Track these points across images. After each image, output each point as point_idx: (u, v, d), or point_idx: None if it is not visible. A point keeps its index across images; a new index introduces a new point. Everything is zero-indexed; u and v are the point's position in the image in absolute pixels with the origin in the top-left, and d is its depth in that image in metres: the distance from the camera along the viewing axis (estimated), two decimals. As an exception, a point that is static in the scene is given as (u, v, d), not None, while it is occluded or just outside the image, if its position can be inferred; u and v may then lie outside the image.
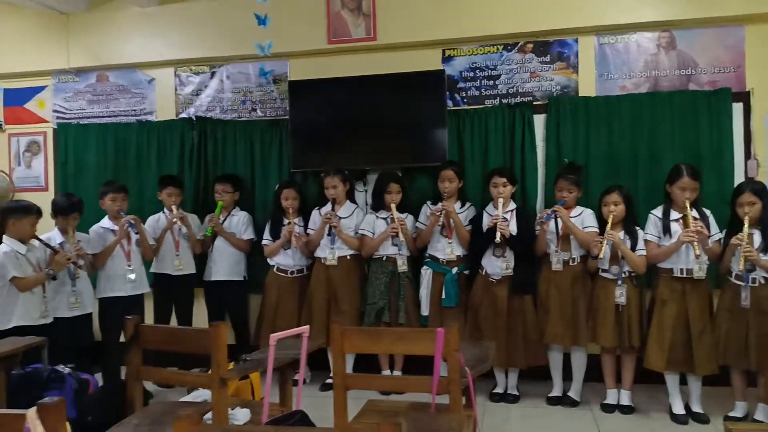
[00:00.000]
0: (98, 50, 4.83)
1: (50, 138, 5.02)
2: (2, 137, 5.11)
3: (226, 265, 4.27)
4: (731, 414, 3.37)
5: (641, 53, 4.13)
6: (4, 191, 4.85)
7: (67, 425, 1.27)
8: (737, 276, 3.27)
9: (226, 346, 2.20)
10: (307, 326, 2.30)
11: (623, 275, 3.50)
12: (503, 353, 3.63)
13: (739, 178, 3.86)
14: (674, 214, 3.46)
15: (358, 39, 4.39)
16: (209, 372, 2.24)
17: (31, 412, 1.23)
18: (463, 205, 3.98)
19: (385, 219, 3.99)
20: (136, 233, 3.92)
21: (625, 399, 3.58)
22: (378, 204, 4.06)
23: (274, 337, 2.10)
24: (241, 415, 2.41)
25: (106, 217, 4.00)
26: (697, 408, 3.43)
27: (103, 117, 4.93)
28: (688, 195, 3.37)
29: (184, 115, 4.78)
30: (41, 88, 5.04)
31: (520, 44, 4.28)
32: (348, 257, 4.05)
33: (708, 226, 3.39)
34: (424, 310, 3.91)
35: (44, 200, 4.80)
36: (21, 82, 5.03)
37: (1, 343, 2.79)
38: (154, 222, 4.24)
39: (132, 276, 3.92)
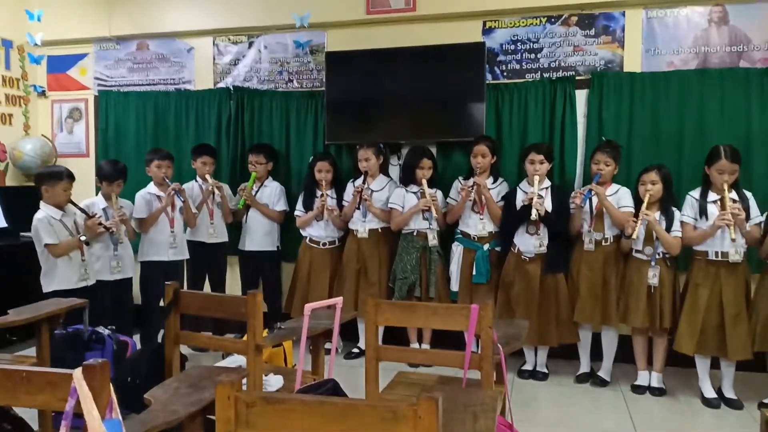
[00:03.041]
0: (139, 19, 4.87)
1: (91, 105, 5.11)
2: (45, 103, 5.23)
3: (259, 235, 4.33)
4: (766, 401, 3.31)
5: (691, 28, 3.96)
6: (47, 156, 4.97)
7: (111, 386, 1.30)
8: (778, 262, 3.18)
9: (263, 314, 2.24)
10: (341, 297, 2.33)
11: (657, 256, 3.43)
12: (534, 331, 3.60)
13: (789, 160, 3.72)
14: (712, 196, 3.36)
15: (398, 9, 4.31)
16: (244, 338, 2.29)
17: (77, 372, 1.26)
18: (495, 181, 3.93)
19: (415, 193, 3.97)
20: (182, 201, 4.00)
21: (656, 381, 3.54)
22: (408, 178, 4.04)
23: (309, 307, 2.13)
24: (274, 382, 2.47)
25: (152, 183, 4.08)
26: (729, 393, 3.37)
27: (142, 85, 4.99)
28: (726, 178, 3.26)
29: (221, 84, 4.80)
30: (83, 56, 5.11)
31: (564, 17, 4.15)
32: (379, 230, 4.06)
33: (748, 209, 3.28)
34: (454, 286, 3.91)
35: (85, 166, 4.94)
36: (64, 50, 5.11)
37: (45, 304, 2.89)
38: (189, 191, 4.28)
39: (175, 242, 4.02)
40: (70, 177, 3.50)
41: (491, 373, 2.10)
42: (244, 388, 2.16)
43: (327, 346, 2.82)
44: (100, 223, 3.50)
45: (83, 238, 3.46)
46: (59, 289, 3.32)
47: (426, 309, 2.32)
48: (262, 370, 2.29)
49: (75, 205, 3.51)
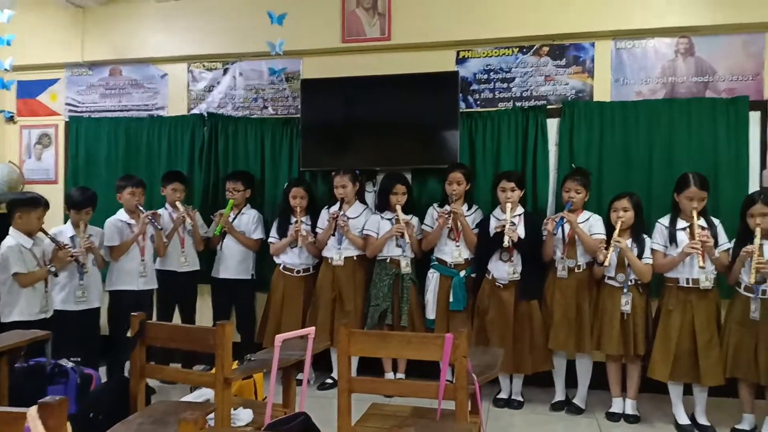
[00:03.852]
0: (112, 44, 4.83)
1: (61, 131, 5.03)
2: (14, 129, 5.12)
3: (234, 263, 4.26)
4: (738, 427, 3.32)
5: (658, 59, 4.07)
6: (14, 183, 4.86)
7: (68, 425, 1.24)
8: (747, 288, 3.22)
9: (231, 346, 2.18)
10: (313, 327, 2.29)
11: (629, 283, 3.46)
12: (509, 358, 3.58)
13: (754, 187, 3.80)
14: (681, 223, 3.42)
15: (373, 38, 4.36)
16: (213, 371, 2.23)
17: (32, 411, 1.21)
18: (470, 208, 3.95)
19: (390, 220, 3.97)
20: (160, 228, 3.93)
21: (631, 408, 3.54)
22: (383, 205, 4.04)
23: (280, 337, 2.09)
24: (243, 416, 2.39)
25: (123, 211, 4.00)
26: (702, 419, 3.38)
27: (115, 111, 4.93)
28: (695, 205, 3.32)
29: (195, 111, 4.77)
30: (54, 81, 5.05)
31: (535, 47, 4.23)
32: (354, 258, 4.03)
33: (716, 236, 3.34)
34: (430, 314, 3.88)
35: (54, 193, 4.83)
36: (34, 75, 5.03)
37: (6, 336, 2.79)
38: (159, 218, 4.23)
39: (145, 270, 3.93)
40: (46, 206, 3.47)
41: (466, 403, 2.07)
42: (212, 423, 2.10)
43: (299, 377, 2.76)
44: (72, 255, 3.43)
45: (52, 269, 3.38)
46: (19, 320, 3.23)
47: (400, 339, 2.29)
48: (230, 404, 2.22)
49: (46, 234, 3.44)
